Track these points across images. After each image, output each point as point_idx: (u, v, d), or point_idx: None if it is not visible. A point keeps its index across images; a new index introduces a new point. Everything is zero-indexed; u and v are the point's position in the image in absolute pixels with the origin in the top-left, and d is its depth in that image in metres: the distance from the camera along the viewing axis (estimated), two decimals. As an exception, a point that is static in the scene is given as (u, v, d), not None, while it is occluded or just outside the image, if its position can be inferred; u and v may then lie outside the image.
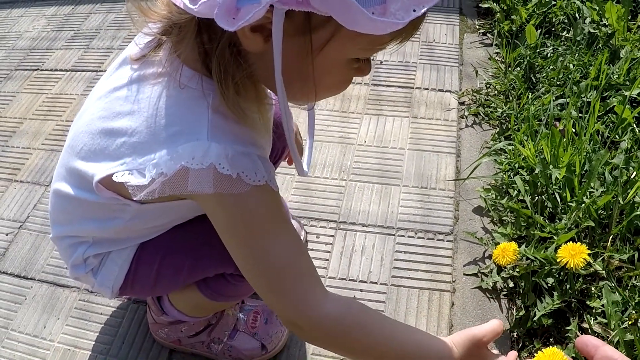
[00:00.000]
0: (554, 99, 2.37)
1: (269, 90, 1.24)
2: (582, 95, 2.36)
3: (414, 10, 0.91)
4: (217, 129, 1.11)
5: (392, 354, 1.26)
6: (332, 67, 1.08)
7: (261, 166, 1.14)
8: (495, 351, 1.32)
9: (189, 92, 1.13)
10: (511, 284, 1.89)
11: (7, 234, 2.27)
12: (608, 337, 1.65)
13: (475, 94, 2.66)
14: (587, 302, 1.75)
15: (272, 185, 1.18)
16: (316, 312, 1.21)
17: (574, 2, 2.89)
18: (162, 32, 1.14)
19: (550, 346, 1.34)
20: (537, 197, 2.02)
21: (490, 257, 1.97)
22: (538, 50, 2.72)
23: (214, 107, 1.12)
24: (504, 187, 2.16)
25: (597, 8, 2.77)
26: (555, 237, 1.86)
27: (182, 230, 1.46)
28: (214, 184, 1.09)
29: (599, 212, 1.91)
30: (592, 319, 1.72)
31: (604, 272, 1.79)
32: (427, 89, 2.75)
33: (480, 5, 3.23)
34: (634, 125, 2.21)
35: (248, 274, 1.22)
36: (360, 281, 1.98)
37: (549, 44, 2.75)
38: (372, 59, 2.88)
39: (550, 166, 2.02)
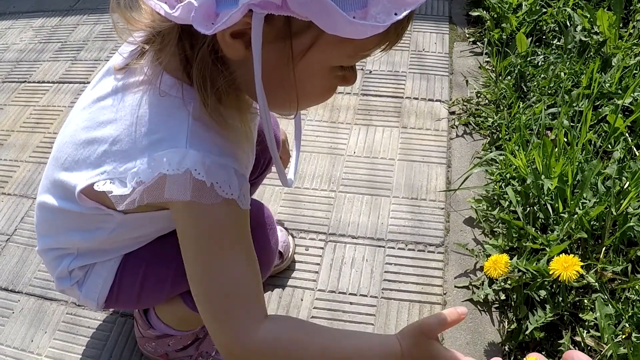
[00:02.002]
0: (545, 108, 2.35)
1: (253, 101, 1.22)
2: (574, 104, 2.34)
3: (396, 14, 0.90)
4: (196, 137, 1.10)
5: None
6: (314, 74, 1.07)
7: (235, 181, 1.13)
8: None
9: (170, 100, 1.13)
10: (503, 297, 1.87)
11: (-6, 247, 2.25)
12: (601, 350, 1.63)
13: (465, 104, 2.64)
14: (580, 315, 1.73)
15: (241, 203, 1.16)
16: (252, 339, 1.19)
17: (565, 10, 2.88)
18: (145, 41, 1.13)
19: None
20: (528, 208, 2.01)
21: (481, 269, 1.95)
22: (529, 58, 2.70)
23: (194, 115, 1.12)
24: (495, 197, 2.15)
25: (589, 15, 2.76)
26: (547, 249, 1.84)
27: (164, 242, 1.44)
28: (190, 191, 1.08)
29: (592, 223, 1.90)
30: (585, 332, 1.70)
31: (596, 284, 1.77)
32: (417, 98, 2.73)
33: (470, 13, 3.21)
34: (627, 135, 2.20)
35: (196, 296, 1.21)
36: (350, 294, 1.96)
37: (539, 52, 2.74)
38: (360, 68, 2.87)
39: (542, 176, 2.00)
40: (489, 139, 2.45)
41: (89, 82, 2.93)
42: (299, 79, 1.06)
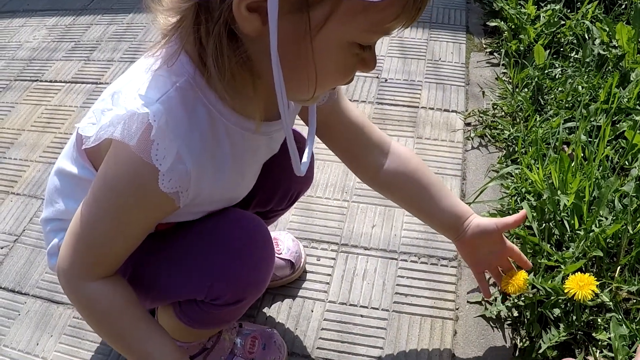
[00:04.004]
0: (562, 122, 2.33)
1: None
2: (592, 119, 2.31)
3: None
4: (167, 101, 1.11)
5: (120, 350, 1.36)
6: (332, 49, 1.05)
7: (171, 159, 1.12)
8: None
9: (182, 81, 1.13)
10: (515, 313, 1.85)
11: (2, 248, 2.24)
12: (615, 371, 1.61)
13: (481, 115, 2.61)
14: (594, 334, 1.71)
15: (161, 180, 1.14)
16: (78, 284, 1.28)
17: (584, 23, 2.86)
18: (167, 25, 1.12)
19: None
20: (544, 224, 1.98)
21: (494, 284, 1.92)
22: (546, 71, 2.68)
23: (180, 88, 1.12)
24: (510, 212, 2.11)
25: (607, 29, 2.74)
26: (562, 266, 1.82)
27: (157, 243, 1.42)
28: (137, 137, 1.09)
29: (607, 241, 1.87)
30: (598, 351, 1.67)
31: (611, 303, 1.74)
32: (432, 108, 2.71)
33: (487, 23, 3.19)
34: (645, 152, 2.17)
35: (70, 227, 1.26)
36: (361, 306, 1.93)
37: (557, 65, 2.72)
38: (376, 76, 2.86)
39: (559, 192, 1.97)
40: (505, 151, 2.43)
41: (101, 83, 2.97)
42: (316, 54, 1.04)
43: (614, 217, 1.90)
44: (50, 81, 3.14)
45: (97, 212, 1.22)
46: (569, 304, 1.76)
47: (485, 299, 1.90)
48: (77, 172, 1.39)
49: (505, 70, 2.88)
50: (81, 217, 1.23)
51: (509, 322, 1.86)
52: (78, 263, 1.25)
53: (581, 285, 1.59)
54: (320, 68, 1.07)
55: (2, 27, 3.74)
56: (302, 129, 1.47)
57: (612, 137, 2.26)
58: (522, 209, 1.98)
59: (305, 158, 1.36)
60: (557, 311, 1.75)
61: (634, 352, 1.61)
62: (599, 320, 1.73)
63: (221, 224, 1.41)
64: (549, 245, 1.91)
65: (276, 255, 1.94)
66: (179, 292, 1.46)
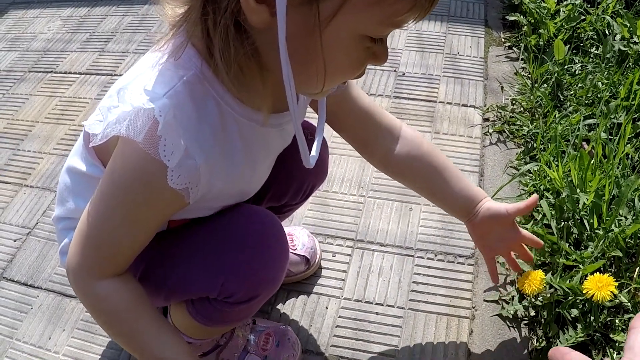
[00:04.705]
0: (582, 118, 2.30)
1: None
2: (612, 116, 2.29)
3: None
4: (175, 96, 1.10)
5: (130, 349, 1.35)
6: (342, 42, 1.03)
7: (179, 155, 1.11)
8: None
9: (190, 75, 1.12)
10: (532, 313, 1.83)
11: (15, 240, 2.25)
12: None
13: (500, 111, 2.59)
14: (611, 336, 1.69)
15: (170, 176, 1.13)
16: (87, 282, 1.27)
17: (604, 18, 2.83)
18: (175, 17, 1.11)
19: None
20: (563, 223, 1.96)
21: (512, 283, 1.92)
22: (566, 66, 2.65)
23: (188, 81, 1.12)
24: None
25: (628, 24, 2.71)
26: (580, 266, 1.80)
27: (167, 244, 1.42)
28: (144, 133, 1.08)
29: (627, 241, 1.85)
30: (615, 353, 1.65)
31: (629, 304, 1.73)
32: (450, 103, 2.69)
33: (506, 17, 3.17)
34: (666, 150, 2.14)
35: (80, 224, 1.25)
36: (377, 304, 1.92)
37: (577, 61, 2.69)
38: (393, 70, 2.84)
39: (578, 190, 1.95)
40: (524, 148, 2.41)
41: (116, 74, 2.98)
42: (325, 48, 1.01)
43: (634, 217, 1.88)
44: (65, 73, 3.15)
45: (105, 211, 1.21)
46: (586, 305, 1.75)
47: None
48: (86, 170, 1.39)
49: (524, 65, 2.85)
50: (89, 215, 1.22)
51: (525, 321, 1.84)
52: (86, 262, 1.25)
53: (600, 286, 1.58)
54: (330, 61, 1.05)
55: (17, 18, 3.75)
56: (314, 119, 1.45)
57: (632, 134, 2.24)
58: (541, 207, 1.97)
59: (314, 151, 1.34)
60: (574, 311, 1.73)
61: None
62: (617, 321, 1.71)
63: (234, 220, 1.40)
64: (567, 244, 1.89)
65: (291, 251, 1.94)
66: (192, 289, 1.45)
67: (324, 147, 1.71)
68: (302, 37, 0.99)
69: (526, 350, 1.78)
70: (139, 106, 1.06)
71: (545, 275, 1.74)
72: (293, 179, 1.72)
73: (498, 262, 1.94)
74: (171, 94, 1.08)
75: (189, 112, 1.10)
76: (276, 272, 1.45)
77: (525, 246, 1.73)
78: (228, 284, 1.38)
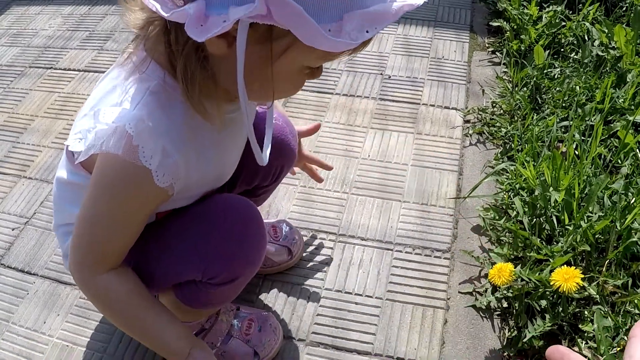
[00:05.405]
0: (557, 120, 2.38)
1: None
2: (586, 118, 2.36)
3: (367, 32, 1.01)
4: (145, 106, 1.22)
5: (135, 334, 1.50)
6: (288, 72, 1.18)
7: (159, 156, 1.23)
8: None
9: (153, 85, 1.24)
10: (505, 304, 1.90)
11: (13, 229, 2.30)
12: (597, 362, 1.66)
13: (480, 113, 2.66)
14: (579, 326, 1.76)
15: (156, 177, 1.25)
16: (88, 277, 1.39)
17: (584, 24, 2.90)
18: (139, 27, 1.21)
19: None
20: (535, 219, 2.03)
21: (486, 276, 1.98)
22: (545, 71, 2.73)
23: (152, 91, 1.23)
24: (504, 207, 2.18)
25: (607, 31, 2.78)
26: (551, 260, 1.87)
27: (152, 240, 1.50)
28: (122, 147, 1.19)
29: (596, 236, 1.92)
30: (584, 342, 1.72)
31: (597, 296, 1.80)
32: (433, 105, 2.76)
33: (490, 23, 3.23)
34: (637, 151, 2.22)
35: (76, 226, 1.38)
36: (356, 294, 1.99)
37: (557, 65, 2.76)
38: (379, 73, 2.89)
39: (550, 188, 2.03)
40: (502, 148, 2.48)
41: None
42: (275, 75, 1.16)
43: (603, 214, 1.95)
44: (64, 69, 3.19)
45: (97, 212, 1.33)
46: (555, 296, 1.82)
47: (476, 290, 1.95)
48: (74, 180, 1.48)
49: (506, 70, 2.92)
50: (83, 220, 1.35)
51: (498, 312, 1.91)
52: (86, 260, 1.37)
53: (566, 278, 1.65)
54: (277, 85, 1.20)
55: (19, 14, 3.78)
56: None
57: (606, 136, 2.31)
58: (515, 205, 2.04)
59: (264, 158, 1.45)
60: (544, 303, 1.81)
61: (617, 343, 1.67)
62: (586, 312, 1.78)
63: (211, 207, 1.51)
64: (539, 239, 1.97)
65: (274, 241, 2.02)
66: (178, 274, 1.53)
67: (289, 133, 1.83)
68: (256, 67, 1.14)
69: (498, 340, 1.85)
70: (113, 125, 1.18)
71: (516, 269, 1.82)
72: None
73: (472, 256, 2.02)
74: (140, 107, 1.21)
75: (158, 117, 1.22)
76: (255, 251, 1.54)
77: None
78: (211, 267, 1.47)
